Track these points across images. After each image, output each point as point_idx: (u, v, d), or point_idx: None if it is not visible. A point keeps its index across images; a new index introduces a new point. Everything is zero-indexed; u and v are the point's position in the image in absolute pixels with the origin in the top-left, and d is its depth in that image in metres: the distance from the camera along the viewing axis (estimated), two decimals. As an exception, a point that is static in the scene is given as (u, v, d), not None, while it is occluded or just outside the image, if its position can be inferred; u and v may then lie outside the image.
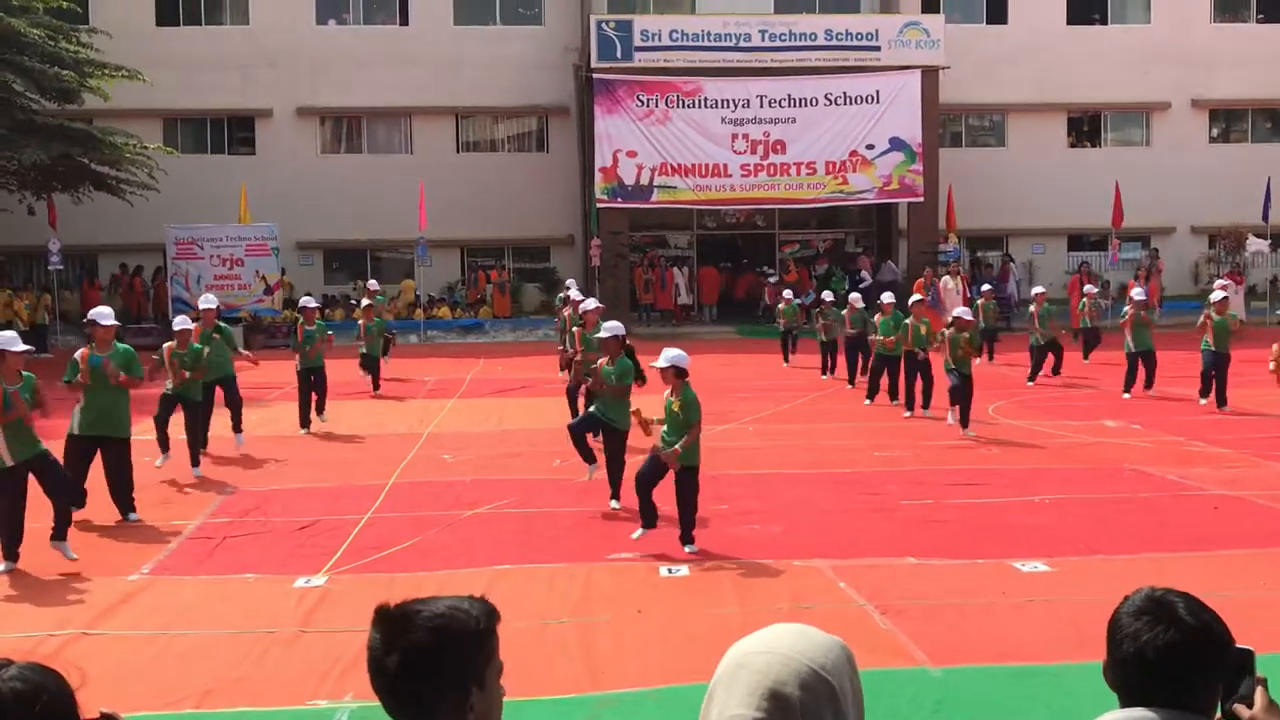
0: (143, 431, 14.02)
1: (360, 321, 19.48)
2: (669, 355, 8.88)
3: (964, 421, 14.08)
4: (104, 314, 10.39)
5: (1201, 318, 16.15)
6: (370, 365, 19.09)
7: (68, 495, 8.92)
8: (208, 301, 13.97)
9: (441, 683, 2.01)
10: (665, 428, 8.80)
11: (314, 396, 15.27)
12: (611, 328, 10.62)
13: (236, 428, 13.67)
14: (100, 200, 28.89)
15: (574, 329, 14.35)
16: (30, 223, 29.15)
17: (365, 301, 20.23)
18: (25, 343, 9.34)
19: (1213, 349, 15.85)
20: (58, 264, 27.50)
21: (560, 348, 15.73)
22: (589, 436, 10.89)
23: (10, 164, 25.68)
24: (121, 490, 10.19)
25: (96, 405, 10.03)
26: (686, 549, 8.80)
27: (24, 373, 8.76)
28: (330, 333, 16.01)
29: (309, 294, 20.24)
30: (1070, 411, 16.28)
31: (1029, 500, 10.62)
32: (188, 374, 12.11)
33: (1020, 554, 8.65)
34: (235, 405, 13.73)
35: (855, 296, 19.36)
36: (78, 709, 2.01)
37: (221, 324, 14.07)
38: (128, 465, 10.23)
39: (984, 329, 22.13)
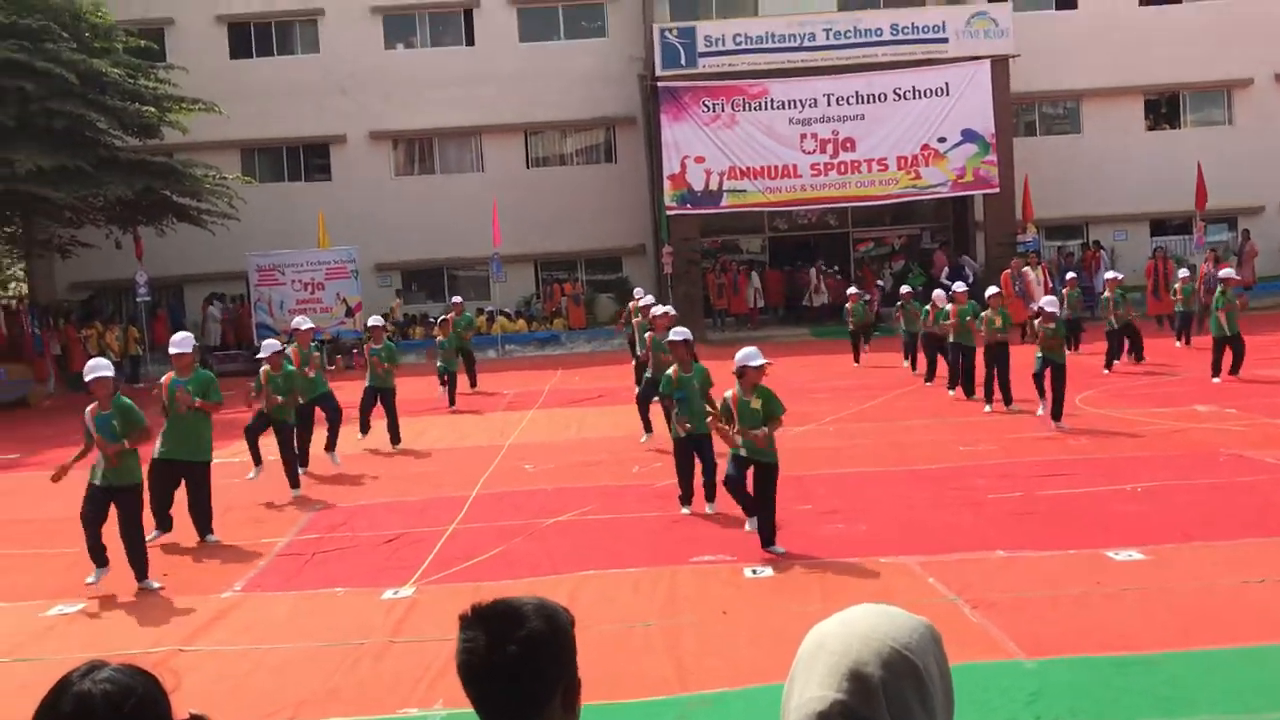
0: (231, 454, 14.37)
1: (437, 337, 19.70)
2: (745, 354, 8.88)
3: (1056, 414, 13.74)
4: (177, 341, 10.62)
5: None
6: (448, 380, 19.27)
7: (137, 540, 8.86)
8: (303, 323, 14.21)
9: (559, 671, 2.03)
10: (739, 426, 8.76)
11: (384, 418, 15.26)
12: (680, 332, 10.58)
13: (331, 445, 13.83)
14: (183, 231, 29.67)
15: (646, 335, 14.50)
16: (117, 256, 30.05)
17: (442, 316, 20.50)
18: (119, 376, 9.59)
19: None
20: (145, 295, 28.24)
21: (631, 353, 16.06)
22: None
23: (96, 200, 26.44)
24: (199, 513, 10.36)
25: (176, 430, 10.26)
26: (767, 549, 8.74)
27: (120, 398, 8.96)
28: (393, 365, 15.47)
29: (387, 313, 20.51)
30: (1159, 398, 15.85)
31: (1121, 489, 10.35)
32: (280, 398, 12.32)
33: (1114, 543, 8.43)
34: (335, 420, 13.84)
35: (962, 288, 17.49)
36: (170, 712, 2.00)
37: (315, 344, 14.29)
38: (206, 490, 10.39)
39: (1070, 319, 21.71)
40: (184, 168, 27.59)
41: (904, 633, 1.83)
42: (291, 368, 12.70)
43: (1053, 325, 13.72)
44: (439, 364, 19.30)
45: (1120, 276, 19.98)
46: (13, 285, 34.39)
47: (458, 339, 19.99)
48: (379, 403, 15.39)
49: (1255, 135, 33.00)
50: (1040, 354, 13.79)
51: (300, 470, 13.10)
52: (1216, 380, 16.77)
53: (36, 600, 8.64)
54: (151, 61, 28.65)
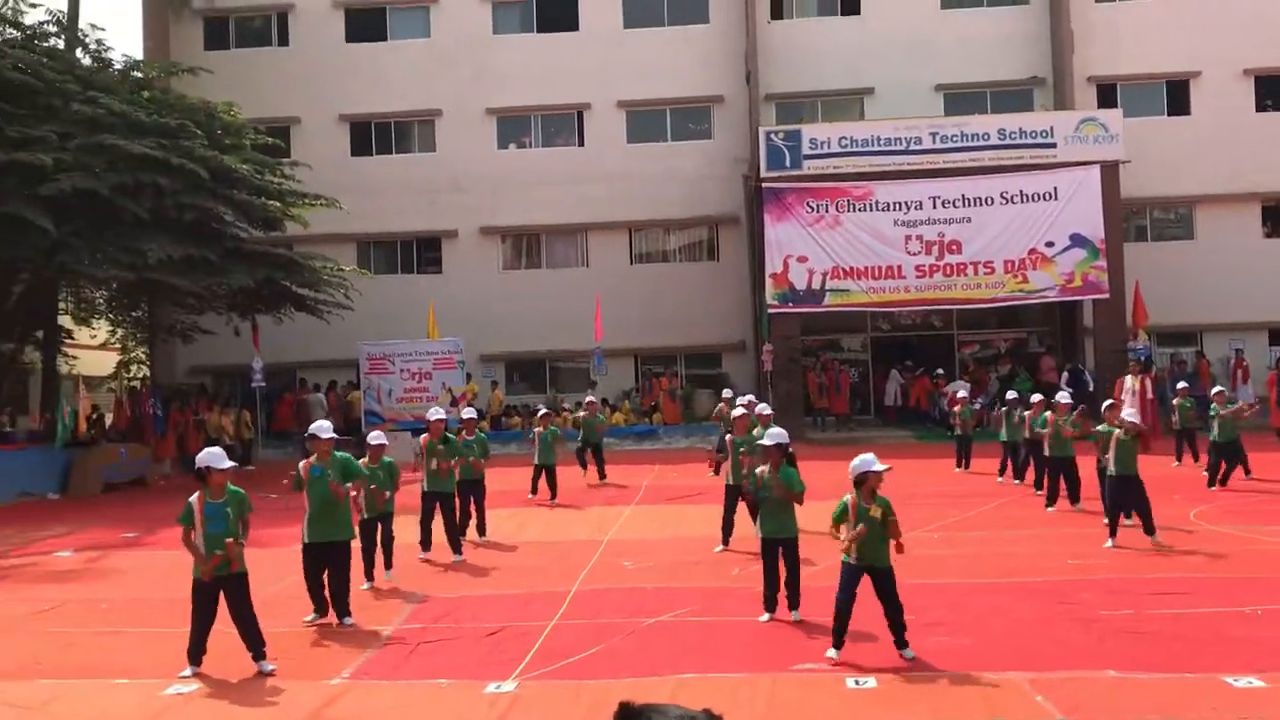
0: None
1: (536, 430, 19.90)
2: (865, 460, 8.80)
3: (1148, 528, 13.36)
4: (323, 428, 11.00)
5: None
6: (546, 475, 19.33)
7: (250, 621, 9.03)
8: (436, 413, 14.63)
9: None
10: (865, 537, 8.66)
11: (473, 512, 15.36)
12: (775, 435, 10.32)
13: (457, 542, 14.13)
14: (299, 319, 30.75)
15: (727, 435, 14.57)
16: (234, 343, 31.26)
17: (542, 410, 20.82)
18: (231, 458, 9.82)
19: None
20: (260, 381, 29.24)
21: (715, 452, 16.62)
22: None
23: (220, 288, 27.60)
24: (340, 593, 10.66)
25: (321, 513, 10.59)
26: (901, 653, 8.70)
27: (231, 487, 9.15)
28: (482, 459, 15.68)
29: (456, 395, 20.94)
30: (1277, 515, 15.30)
31: (1240, 610, 10.01)
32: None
33: (1233, 668, 8.15)
34: (451, 523, 14.15)
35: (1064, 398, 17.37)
36: None
37: (449, 435, 14.58)
38: (347, 568, 10.71)
39: (1181, 429, 21.22)
40: (303, 259, 28.72)
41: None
42: (390, 459, 12.88)
43: (1128, 437, 13.41)
44: (536, 462, 19.52)
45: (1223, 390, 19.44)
46: (134, 368, 35.90)
47: (593, 433, 21.48)
48: (471, 498, 15.38)
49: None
50: (1112, 470, 13.38)
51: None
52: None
53: (155, 679, 8.90)
54: (277, 158, 30.04)
